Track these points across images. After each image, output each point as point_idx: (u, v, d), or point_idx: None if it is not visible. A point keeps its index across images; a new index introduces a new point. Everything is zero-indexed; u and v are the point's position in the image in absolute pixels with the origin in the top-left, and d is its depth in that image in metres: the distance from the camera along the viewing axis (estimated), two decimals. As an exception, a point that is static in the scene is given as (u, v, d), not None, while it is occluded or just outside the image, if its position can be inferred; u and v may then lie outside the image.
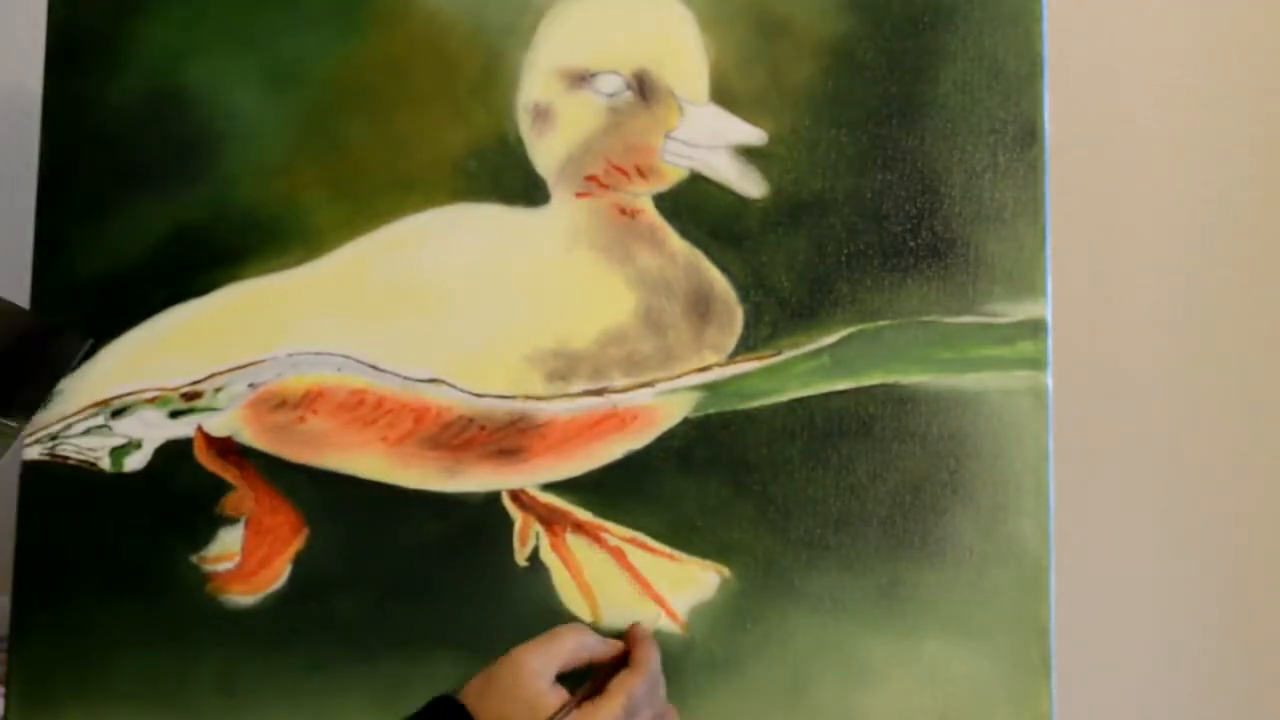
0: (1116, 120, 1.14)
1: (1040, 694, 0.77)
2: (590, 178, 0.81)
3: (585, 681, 0.75)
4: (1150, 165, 1.14)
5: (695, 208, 0.81)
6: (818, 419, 0.79)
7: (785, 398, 0.79)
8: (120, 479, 0.81)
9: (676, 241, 0.81)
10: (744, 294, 0.80)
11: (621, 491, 0.79)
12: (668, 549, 0.79)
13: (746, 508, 0.79)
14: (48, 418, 0.82)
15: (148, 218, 0.82)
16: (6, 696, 0.80)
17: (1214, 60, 1.13)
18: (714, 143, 0.81)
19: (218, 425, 0.81)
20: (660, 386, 0.80)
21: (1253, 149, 1.13)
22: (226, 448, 0.81)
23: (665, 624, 0.79)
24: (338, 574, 0.80)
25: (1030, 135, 0.80)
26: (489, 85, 0.82)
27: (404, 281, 0.81)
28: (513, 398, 0.80)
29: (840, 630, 0.78)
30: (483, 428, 0.80)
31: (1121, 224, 1.14)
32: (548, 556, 0.80)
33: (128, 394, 0.82)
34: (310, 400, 0.81)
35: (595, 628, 0.78)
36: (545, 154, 0.81)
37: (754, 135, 0.81)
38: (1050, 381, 0.79)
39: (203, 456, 0.81)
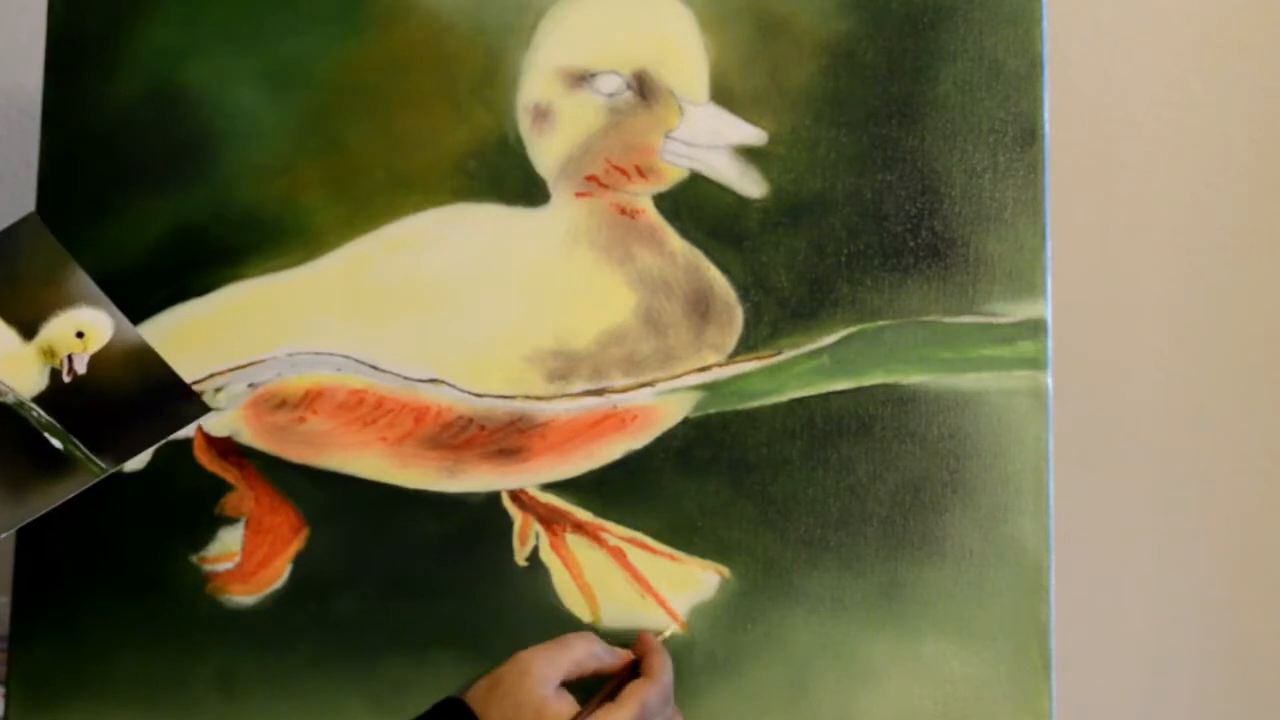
0: (1116, 120, 1.14)
1: (1040, 694, 0.77)
2: (590, 177, 0.81)
3: (594, 690, 0.75)
4: (1150, 165, 1.14)
5: (695, 208, 0.81)
6: (818, 419, 0.79)
7: (785, 398, 0.79)
8: (120, 478, 0.81)
9: (676, 241, 0.81)
10: (744, 294, 0.80)
11: (621, 491, 0.79)
12: (668, 549, 0.79)
13: (746, 508, 0.79)
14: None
15: (148, 218, 0.82)
16: (6, 696, 0.80)
17: (1214, 60, 1.13)
18: (714, 143, 0.81)
19: (218, 425, 0.81)
20: (660, 386, 0.80)
21: (1253, 149, 1.13)
22: (226, 448, 0.81)
23: (665, 624, 0.79)
24: (338, 574, 0.80)
25: (1030, 135, 0.80)
26: (489, 85, 0.82)
27: (404, 281, 0.81)
28: (513, 398, 0.80)
29: (840, 630, 0.78)
30: (483, 428, 0.80)
31: (1121, 224, 1.14)
32: (548, 556, 0.80)
33: (128, 394, 0.82)
34: (310, 400, 0.81)
35: (595, 628, 0.78)
36: (545, 154, 0.81)
37: (754, 135, 0.81)
38: (1050, 381, 0.79)
39: (202, 456, 0.81)
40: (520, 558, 0.80)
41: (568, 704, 0.73)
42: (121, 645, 0.80)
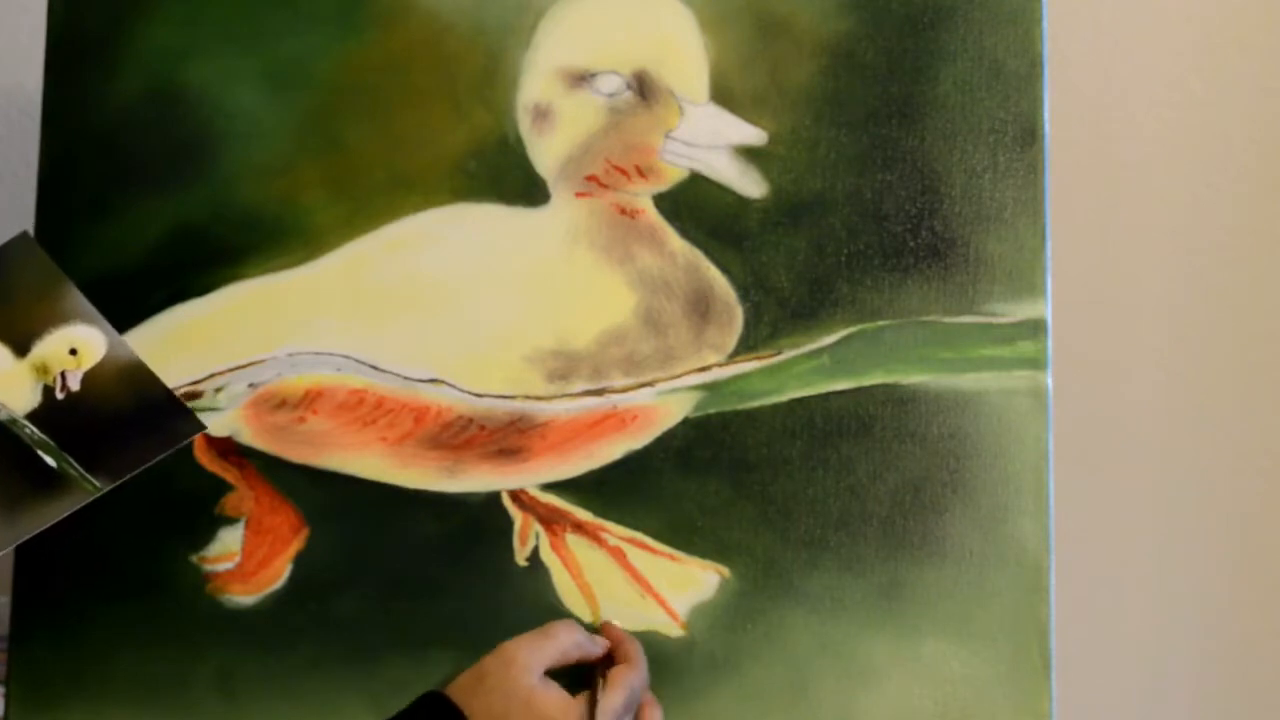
0: (1116, 120, 1.14)
1: (1040, 694, 0.77)
2: (590, 177, 0.81)
3: (575, 677, 0.75)
4: (1150, 165, 1.14)
5: (695, 208, 0.81)
6: (818, 419, 0.79)
7: (785, 398, 0.79)
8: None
9: (676, 241, 0.81)
10: (744, 294, 0.80)
11: (622, 491, 0.79)
12: (668, 549, 0.79)
13: (746, 508, 0.79)
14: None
15: (148, 218, 0.82)
16: (6, 696, 0.80)
17: (1214, 60, 1.13)
18: (714, 143, 0.81)
19: (218, 425, 0.81)
20: (660, 386, 0.80)
21: (1253, 149, 1.13)
22: (226, 448, 0.81)
23: (665, 624, 0.79)
24: (338, 574, 0.80)
25: (1030, 135, 0.80)
26: (489, 85, 0.82)
27: (404, 281, 0.81)
28: (513, 398, 0.80)
29: (840, 630, 0.78)
30: (483, 428, 0.80)
31: (1121, 224, 1.14)
32: (548, 556, 0.80)
33: (128, 394, 0.82)
34: (310, 400, 0.81)
35: (595, 628, 0.78)
36: (545, 154, 0.81)
37: (754, 135, 0.81)
38: (1050, 381, 0.79)
39: (202, 456, 0.81)
40: (520, 558, 0.80)
41: (555, 692, 0.73)
42: (121, 645, 0.80)
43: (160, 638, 0.80)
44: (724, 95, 0.81)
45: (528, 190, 0.81)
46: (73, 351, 0.79)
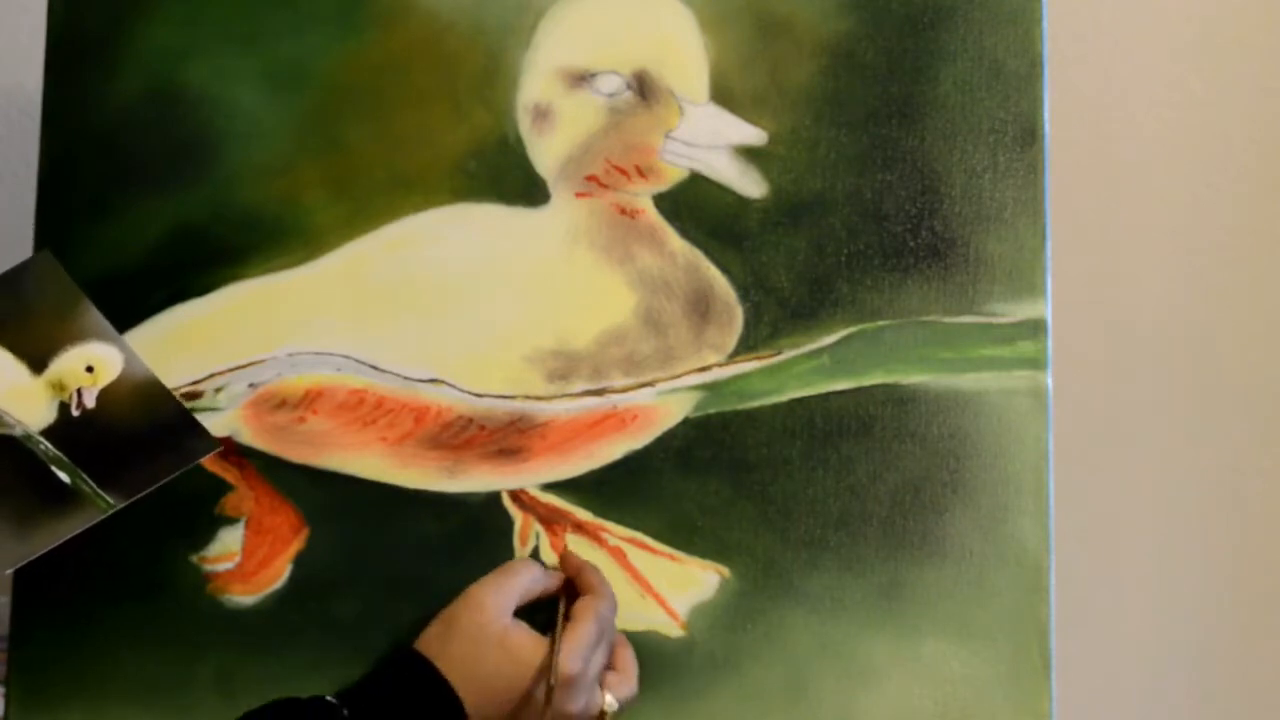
0: (1116, 120, 1.14)
1: (1040, 694, 0.77)
2: (590, 177, 0.81)
3: (541, 613, 0.76)
4: (1150, 165, 1.14)
5: (695, 208, 0.81)
6: (818, 419, 0.79)
7: (785, 398, 0.79)
8: (120, 479, 0.81)
9: (676, 241, 0.81)
10: (744, 294, 0.80)
11: (622, 491, 0.79)
12: (668, 549, 0.79)
13: (746, 508, 0.79)
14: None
15: (148, 218, 0.82)
16: (6, 696, 0.80)
17: (1214, 60, 1.13)
18: (714, 143, 0.81)
19: (218, 425, 0.81)
20: (660, 386, 0.80)
21: (1253, 149, 1.13)
22: (226, 448, 0.81)
23: (665, 624, 0.79)
24: (338, 574, 0.80)
25: (1030, 135, 0.80)
26: (489, 85, 0.82)
27: (404, 281, 0.81)
28: (513, 398, 0.80)
29: (840, 630, 0.78)
30: (483, 428, 0.80)
31: (1121, 224, 1.14)
32: (548, 557, 0.80)
33: (128, 394, 0.82)
34: (310, 400, 0.81)
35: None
36: (545, 154, 0.81)
37: (754, 135, 0.81)
38: (1050, 381, 0.79)
39: (203, 456, 0.81)
40: (520, 558, 0.80)
41: (524, 631, 0.74)
42: (121, 645, 0.80)
43: (160, 638, 0.80)
44: (724, 95, 0.81)
45: (528, 190, 0.81)
46: (89, 369, 0.79)
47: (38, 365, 0.79)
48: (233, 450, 0.81)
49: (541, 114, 0.82)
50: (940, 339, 0.79)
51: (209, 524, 0.81)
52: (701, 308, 0.80)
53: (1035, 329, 0.79)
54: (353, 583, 0.80)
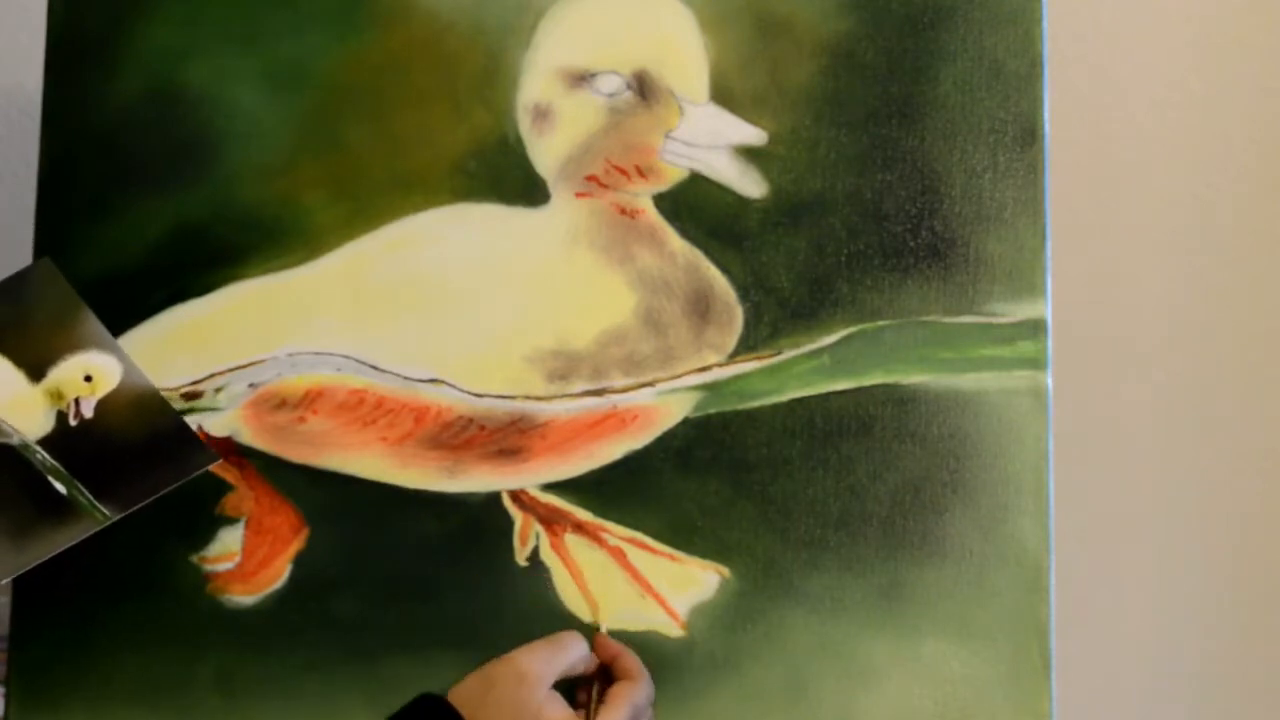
0: (1116, 120, 1.14)
1: (1040, 694, 0.77)
2: (590, 177, 0.81)
3: (580, 692, 0.76)
4: (1150, 165, 1.14)
5: (695, 208, 0.81)
6: (818, 419, 0.79)
7: (785, 398, 0.79)
8: (120, 479, 0.81)
9: (676, 241, 0.81)
10: (744, 294, 0.80)
11: (622, 491, 0.79)
12: (668, 549, 0.79)
13: (746, 508, 0.79)
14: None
15: (148, 218, 0.82)
16: (6, 696, 0.80)
17: (1214, 60, 1.13)
18: (714, 143, 0.81)
19: (218, 425, 0.81)
20: (660, 386, 0.80)
21: (1253, 149, 1.13)
22: (226, 448, 0.81)
23: (665, 624, 0.79)
24: (338, 574, 0.80)
25: (1030, 135, 0.80)
26: (489, 85, 0.82)
27: (404, 281, 0.81)
28: (513, 398, 0.80)
29: (840, 630, 0.78)
30: (483, 428, 0.80)
31: (1121, 224, 1.14)
32: (548, 557, 0.80)
33: (128, 394, 0.82)
34: (310, 400, 0.81)
35: (596, 628, 0.78)
36: (545, 154, 0.81)
37: (754, 135, 0.81)
38: (1050, 381, 0.79)
39: (203, 456, 0.81)
40: (520, 558, 0.80)
41: (560, 707, 0.73)
42: (121, 645, 0.80)
43: (160, 638, 0.80)
44: (724, 95, 0.81)
45: (528, 190, 0.81)
46: (88, 378, 0.79)
47: (36, 373, 0.79)
48: (233, 450, 0.81)
49: (541, 114, 0.82)
50: (940, 339, 0.79)
51: (209, 524, 0.81)
52: (701, 308, 0.80)
53: (1035, 329, 0.79)
54: (353, 583, 0.80)
